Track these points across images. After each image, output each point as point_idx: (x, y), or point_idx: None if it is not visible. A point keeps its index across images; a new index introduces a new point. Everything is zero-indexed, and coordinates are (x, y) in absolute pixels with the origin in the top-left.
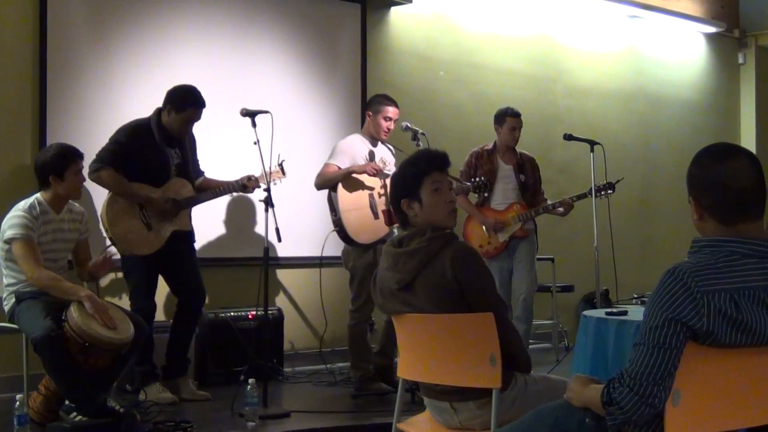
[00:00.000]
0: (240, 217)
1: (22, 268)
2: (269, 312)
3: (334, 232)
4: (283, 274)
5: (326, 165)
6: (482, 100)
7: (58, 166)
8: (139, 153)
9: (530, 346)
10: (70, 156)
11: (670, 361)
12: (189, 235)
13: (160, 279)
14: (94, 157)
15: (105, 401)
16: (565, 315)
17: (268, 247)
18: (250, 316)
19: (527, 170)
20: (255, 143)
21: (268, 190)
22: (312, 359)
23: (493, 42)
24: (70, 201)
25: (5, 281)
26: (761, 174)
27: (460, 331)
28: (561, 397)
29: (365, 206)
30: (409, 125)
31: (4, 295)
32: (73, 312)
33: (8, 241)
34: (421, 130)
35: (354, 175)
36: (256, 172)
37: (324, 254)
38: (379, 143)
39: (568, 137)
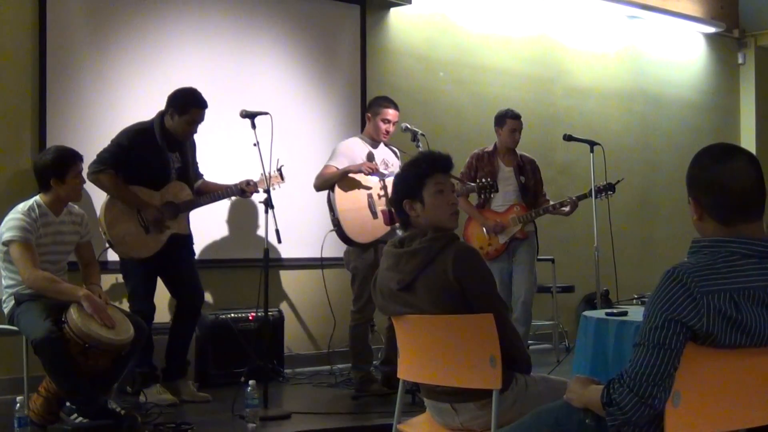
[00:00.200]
0: (240, 218)
1: (19, 271)
2: (269, 313)
3: (333, 233)
4: (283, 276)
5: (325, 166)
6: (482, 100)
7: (58, 169)
8: (141, 156)
9: (530, 347)
10: (71, 158)
11: (670, 362)
12: (187, 239)
13: (159, 281)
14: (94, 158)
15: (105, 403)
16: (566, 315)
17: (268, 249)
18: (250, 318)
19: (527, 172)
20: (254, 145)
21: (267, 191)
22: (312, 360)
23: (492, 42)
24: (69, 203)
25: (4, 283)
26: (761, 174)
27: (460, 332)
28: (561, 397)
29: (363, 206)
30: (408, 126)
31: (4, 297)
32: (73, 313)
33: (6, 243)
34: (420, 131)
35: (350, 174)
36: (256, 174)
37: (324, 255)
38: (382, 145)
39: (568, 138)
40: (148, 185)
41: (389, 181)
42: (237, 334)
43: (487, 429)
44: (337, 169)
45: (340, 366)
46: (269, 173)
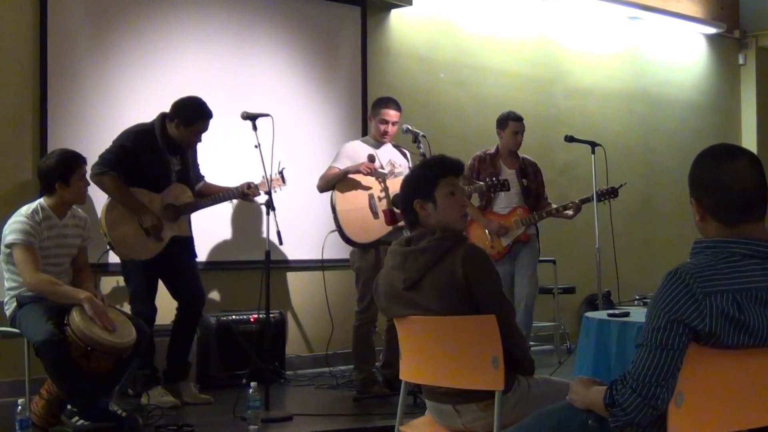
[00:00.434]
0: (242, 220)
1: (20, 274)
2: (271, 315)
3: (333, 234)
4: (284, 277)
5: (329, 168)
6: (483, 101)
7: (63, 172)
8: (142, 158)
9: (531, 349)
10: (75, 161)
11: (673, 363)
12: (188, 241)
13: (160, 283)
14: (96, 159)
15: (107, 405)
16: (567, 316)
17: (270, 250)
18: (252, 320)
19: (529, 174)
20: (256, 146)
21: (269, 193)
22: (314, 362)
23: (493, 44)
24: (73, 207)
25: (6, 285)
26: (762, 174)
27: (463, 334)
28: (563, 399)
29: (364, 207)
30: (409, 128)
31: (6, 299)
32: (75, 316)
33: (9, 246)
34: (421, 132)
35: (350, 175)
36: (257, 176)
37: (325, 257)
38: (390, 146)
39: (569, 139)
40: (149, 187)
41: (391, 182)
42: (238, 335)
43: (489, 430)
44: (340, 170)
45: (342, 368)
46: (270, 176)
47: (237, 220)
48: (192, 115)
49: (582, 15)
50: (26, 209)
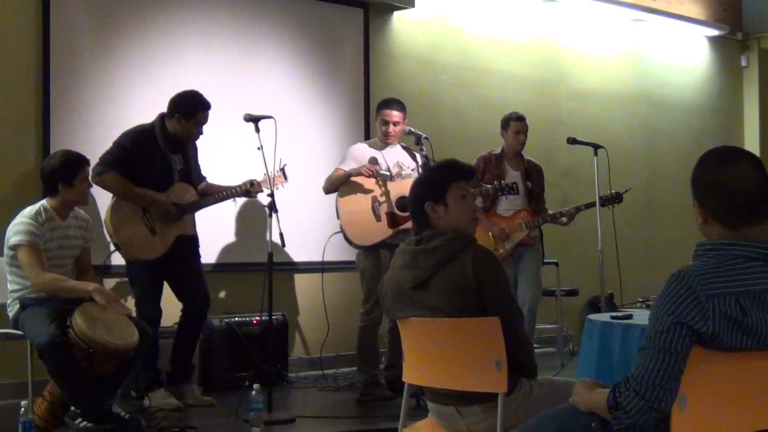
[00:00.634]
0: (244, 222)
1: (27, 275)
2: (273, 317)
3: (336, 236)
4: (287, 279)
5: (335, 169)
6: (485, 104)
7: (66, 173)
8: (144, 158)
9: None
10: (78, 162)
11: (676, 365)
12: (193, 240)
13: (165, 285)
14: (97, 160)
15: (110, 407)
16: (570, 319)
17: (272, 253)
18: (254, 322)
19: (534, 178)
20: (259, 148)
21: (272, 195)
22: (316, 364)
23: (495, 46)
24: (75, 208)
25: (10, 287)
26: (765, 177)
27: (466, 336)
28: (566, 401)
29: (366, 209)
30: (412, 130)
31: (9, 301)
32: (78, 318)
33: (13, 248)
34: (424, 134)
35: (353, 178)
36: (259, 176)
37: (326, 259)
38: (398, 147)
39: (572, 141)
40: (153, 187)
41: (393, 185)
42: (241, 337)
43: None
44: (344, 171)
45: (344, 370)
46: (273, 173)
47: (240, 222)
48: (192, 106)
49: (585, 17)
50: (29, 210)
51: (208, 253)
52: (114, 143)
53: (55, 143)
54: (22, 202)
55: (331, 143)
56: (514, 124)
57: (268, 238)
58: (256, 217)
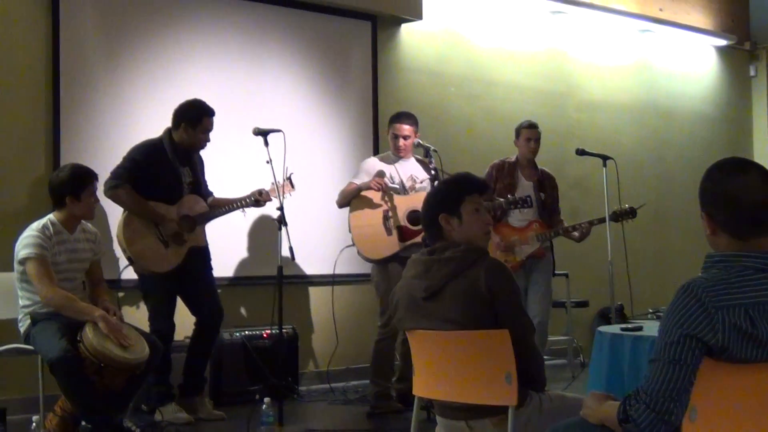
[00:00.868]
0: (253, 236)
1: (36, 288)
2: (284, 330)
3: (347, 249)
4: (297, 293)
5: (348, 183)
6: (493, 115)
7: (74, 187)
8: (154, 171)
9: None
10: (87, 177)
11: (686, 377)
12: (205, 251)
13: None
14: (108, 174)
15: (121, 422)
16: (580, 330)
17: (282, 266)
18: (264, 335)
19: (547, 188)
20: (267, 162)
21: (281, 208)
22: (327, 377)
23: (503, 57)
24: (82, 221)
25: (21, 302)
26: None
27: (476, 349)
28: (576, 415)
29: (377, 223)
30: (420, 142)
31: (20, 316)
32: (88, 333)
33: (22, 262)
34: (432, 147)
35: (363, 192)
36: (267, 187)
37: (339, 272)
38: (412, 160)
39: (581, 152)
40: (163, 200)
41: (401, 199)
42: (252, 351)
43: None
44: (356, 185)
45: (354, 383)
46: (282, 182)
47: (250, 235)
48: (196, 114)
49: (592, 28)
50: (37, 225)
51: (219, 267)
52: (125, 158)
53: (65, 157)
54: (32, 216)
55: (339, 156)
56: (525, 131)
57: (278, 252)
58: (266, 230)
